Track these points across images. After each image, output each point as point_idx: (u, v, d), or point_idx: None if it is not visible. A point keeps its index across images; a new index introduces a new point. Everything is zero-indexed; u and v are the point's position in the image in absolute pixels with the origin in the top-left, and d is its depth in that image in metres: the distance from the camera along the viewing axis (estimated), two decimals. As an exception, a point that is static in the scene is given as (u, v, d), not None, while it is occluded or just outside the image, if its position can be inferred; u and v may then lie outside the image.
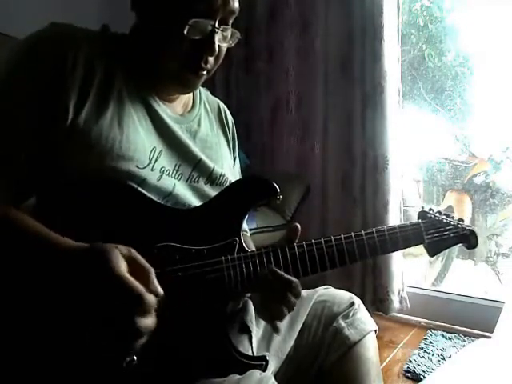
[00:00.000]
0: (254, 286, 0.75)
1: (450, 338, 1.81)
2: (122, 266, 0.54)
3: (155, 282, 0.56)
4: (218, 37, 0.74)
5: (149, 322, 0.53)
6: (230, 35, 0.78)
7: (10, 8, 1.74)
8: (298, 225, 0.80)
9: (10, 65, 0.71)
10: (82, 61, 0.70)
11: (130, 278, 0.53)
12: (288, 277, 0.75)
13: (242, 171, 1.03)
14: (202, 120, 0.89)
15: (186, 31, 0.71)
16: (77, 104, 0.69)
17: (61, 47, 0.70)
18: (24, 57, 0.71)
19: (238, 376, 0.69)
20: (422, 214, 0.90)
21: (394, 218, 1.91)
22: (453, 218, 0.90)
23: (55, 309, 0.59)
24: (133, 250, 0.57)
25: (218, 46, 0.75)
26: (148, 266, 0.57)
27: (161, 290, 0.56)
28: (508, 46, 2.49)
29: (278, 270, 0.75)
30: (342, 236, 0.80)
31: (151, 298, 0.53)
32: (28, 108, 0.68)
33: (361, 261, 0.84)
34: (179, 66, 0.75)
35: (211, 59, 0.76)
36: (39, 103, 0.68)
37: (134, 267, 0.55)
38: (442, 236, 0.88)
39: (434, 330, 1.89)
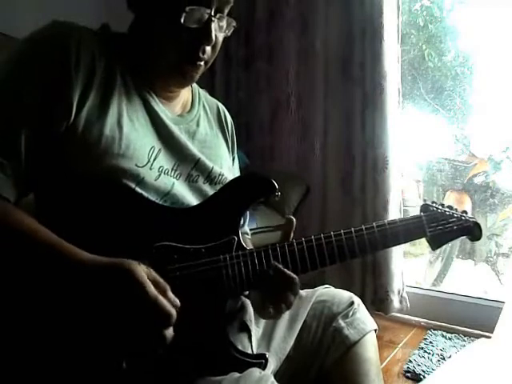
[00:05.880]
0: (254, 283, 0.75)
1: (450, 338, 1.81)
2: (152, 287, 0.58)
3: (172, 296, 0.61)
4: (214, 25, 0.74)
5: (172, 331, 0.59)
6: (225, 25, 0.78)
7: (9, 8, 1.74)
8: (293, 218, 0.80)
9: (13, 61, 0.71)
10: (84, 58, 0.71)
11: (161, 298, 0.58)
12: (289, 273, 0.76)
13: (242, 171, 1.03)
14: (201, 120, 0.89)
15: (182, 19, 0.71)
16: (79, 101, 0.69)
17: (64, 43, 0.70)
18: (28, 53, 0.70)
19: (237, 374, 0.69)
20: (425, 207, 0.89)
21: (393, 218, 1.90)
22: (456, 210, 0.89)
23: (62, 315, 0.61)
24: (151, 269, 0.61)
25: (215, 35, 0.75)
26: (164, 282, 0.61)
27: (178, 302, 0.61)
28: (508, 46, 2.49)
29: (279, 265, 0.75)
30: (342, 231, 0.80)
31: (175, 313, 0.59)
32: (31, 103, 0.67)
33: (362, 255, 0.83)
34: (177, 56, 0.75)
35: (208, 49, 0.76)
36: (43, 99, 0.68)
37: (153, 284, 0.60)
38: (444, 228, 0.86)
39: (434, 330, 1.89)
